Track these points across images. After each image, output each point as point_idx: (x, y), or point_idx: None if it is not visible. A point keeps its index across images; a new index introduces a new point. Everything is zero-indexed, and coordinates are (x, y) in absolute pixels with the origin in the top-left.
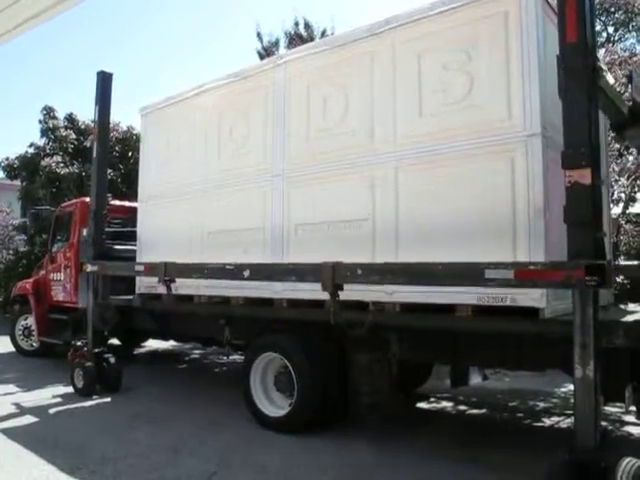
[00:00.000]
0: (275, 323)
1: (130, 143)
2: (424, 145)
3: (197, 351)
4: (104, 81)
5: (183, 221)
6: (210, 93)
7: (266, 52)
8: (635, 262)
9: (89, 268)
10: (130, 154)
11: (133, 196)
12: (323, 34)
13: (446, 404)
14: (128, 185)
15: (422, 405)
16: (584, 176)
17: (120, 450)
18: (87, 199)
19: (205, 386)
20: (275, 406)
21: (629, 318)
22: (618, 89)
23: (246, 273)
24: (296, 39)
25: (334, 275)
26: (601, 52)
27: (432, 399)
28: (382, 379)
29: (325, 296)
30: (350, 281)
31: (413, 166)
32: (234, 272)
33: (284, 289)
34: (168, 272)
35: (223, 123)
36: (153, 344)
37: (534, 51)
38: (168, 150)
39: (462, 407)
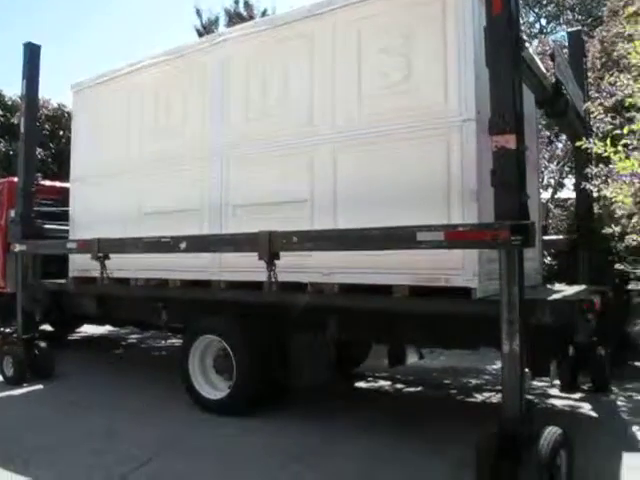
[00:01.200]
0: (213, 305)
1: (61, 121)
2: (363, 127)
3: (134, 336)
4: (32, 53)
5: (118, 202)
6: (146, 70)
7: (205, 30)
8: (561, 236)
9: (17, 247)
10: (61, 133)
11: (64, 177)
12: (264, 14)
13: (384, 383)
14: (59, 165)
15: (361, 384)
16: (509, 141)
17: (54, 438)
18: (15, 179)
19: (142, 371)
20: (214, 389)
21: (555, 296)
22: (550, 77)
23: (182, 245)
24: (236, 18)
25: (270, 243)
26: (534, 43)
27: (370, 378)
28: (321, 359)
29: (263, 277)
30: (286, 249)
31: (352, 148)
32: (170, 245)
33: (222, 270)
34: (102, 248)
35: (159, 101)
36: (88, 329)
37: (470, 37)
38: (102, 128)
39: (399, 385)
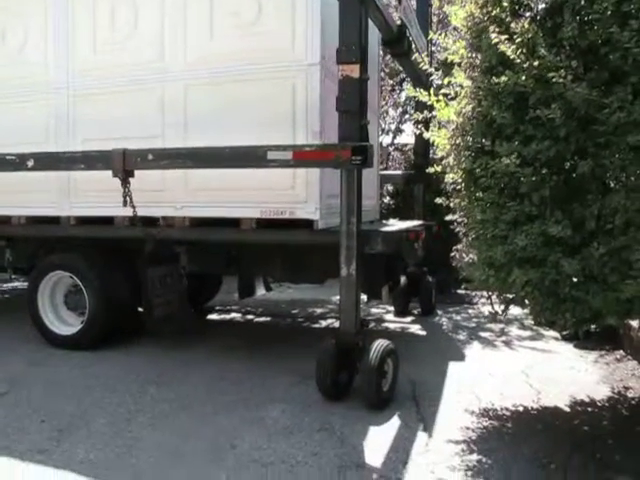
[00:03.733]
0: (63, 242)
1: None
2: (214, 66)
3: None
4: None
5: None
6: None
7: None
8: (399, 172)
9: None
10: None
11: None
12: None
13: (235, 315)
14: None
15: (213, 317)
16: (354, 70)
17: None
18: None
19: None
20: (67, 325)
21: (386, 229)
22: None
23: (30, 163)
24: None
25: (125, 161)
26: None
27: (221, 311)
28: (173, 291)
29: (115, 212)
30: (141, 167)
31: (203, 86)
32: (16, 162)
33: (72, 207)
34: None
35: None
36: None
37: None
38: None
39: (250, 316)
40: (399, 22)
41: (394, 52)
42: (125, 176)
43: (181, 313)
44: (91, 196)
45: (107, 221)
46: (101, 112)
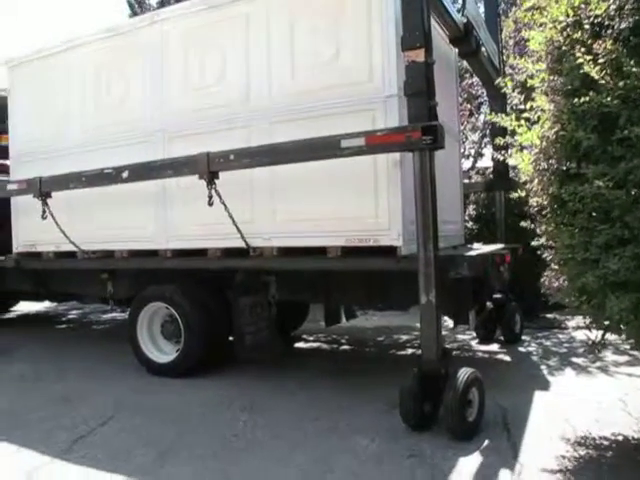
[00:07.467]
0: (160, 274)
1: None
2: (297, 103)
3: (75, 311)
4: None
5: None
6: (84, 47)
7: (138, 3)
8: (480, 180)
9: None
10: None
11: None
12: None
13: (321, 343)
14: None
15: (300, 345)
16: (419, 55)
17: (8, 406)
18: None
19: (87, 343)
20: (163, 353)
21: (471, 253)
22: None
23: (125, 174)
24: None
25: (209, 163)
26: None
27: (309, 339)
28: (263, 320)
29: (208, 244)
30: (225, 168)
31: (287, 123)
32: (113, 175)
33: (168, 240)
34: (44, 185)
35: (99, 79)
36: (23, 307)
37: (392, 19)
38: (41, 105)
39: (336, 344)
40: (465, 20)
41: (462, 51)
42: (210, 178)
43: (270, 343)
44: (185, 230)
45: (200, 253)
46: (193, 151)
